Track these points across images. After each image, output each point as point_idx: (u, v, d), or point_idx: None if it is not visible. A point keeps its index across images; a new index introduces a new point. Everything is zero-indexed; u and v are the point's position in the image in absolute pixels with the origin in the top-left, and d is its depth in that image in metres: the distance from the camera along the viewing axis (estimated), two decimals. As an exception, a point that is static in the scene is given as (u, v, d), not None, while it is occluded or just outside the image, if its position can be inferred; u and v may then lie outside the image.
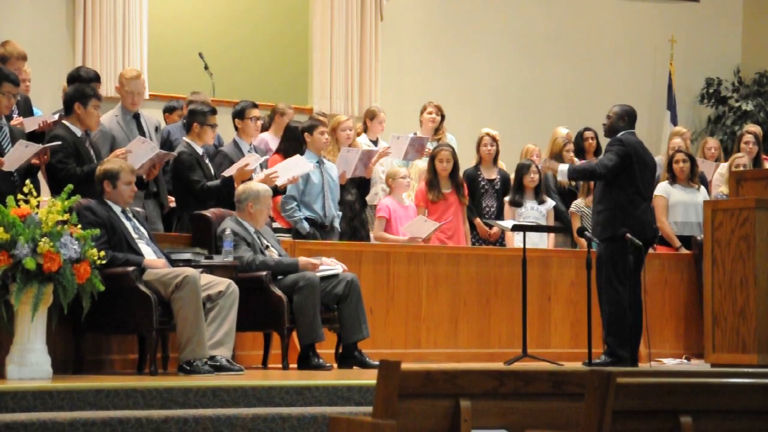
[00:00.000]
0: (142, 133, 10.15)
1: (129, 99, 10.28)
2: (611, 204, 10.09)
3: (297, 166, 10.39)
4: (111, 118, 10.13)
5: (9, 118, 9.28)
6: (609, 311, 9.96)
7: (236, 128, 10.68)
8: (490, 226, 11.72)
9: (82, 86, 9.77)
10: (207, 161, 10.21)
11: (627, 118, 10.19)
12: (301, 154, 10.69)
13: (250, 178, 9.91)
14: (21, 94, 10.00)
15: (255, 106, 10.75)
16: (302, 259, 9.34)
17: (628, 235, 9.89)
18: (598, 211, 10.36)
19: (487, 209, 11.96)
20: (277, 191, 10.25)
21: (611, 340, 9.91)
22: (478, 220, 11.85)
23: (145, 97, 10.77)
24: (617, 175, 10.00)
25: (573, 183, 12.16)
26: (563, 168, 10.37)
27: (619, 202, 10.03)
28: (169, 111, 11.62)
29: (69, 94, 9.61)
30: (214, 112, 10.44)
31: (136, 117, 10.29)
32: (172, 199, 10.44)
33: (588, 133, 12.49)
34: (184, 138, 10.24)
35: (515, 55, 15.39)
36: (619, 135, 10.11)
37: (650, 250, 11.87)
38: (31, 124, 9.60)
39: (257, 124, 10.74)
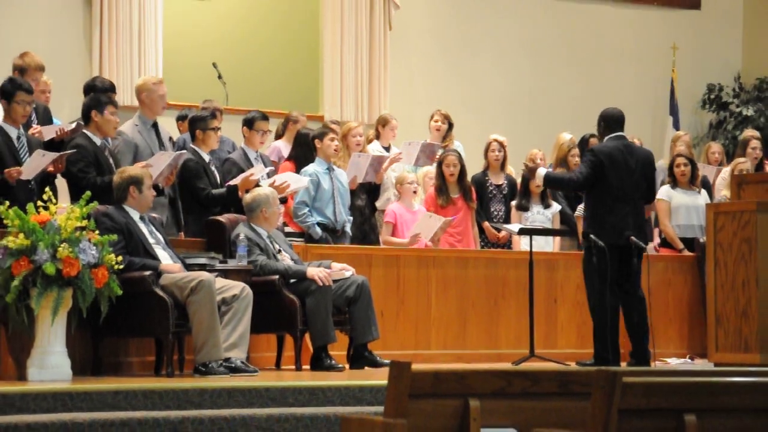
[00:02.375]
0: (160, 141, 10.19)
1: (156, 106, 10.29)
2: (588, 213, 10.07)
3: (293, 181, 10.40)
4: (132, 128, 10.13)
5: (27, 127, 9.30)
6: (594, 316, 9.94)
7: (244, 137, 10.71)
8: (499, 230, 11.72)
9: (97, 95, 9.81)
10: (213, 168, 10.21)
11: (603, 123, 10.13)
12: (312, 160, 10.71)
13: (258, 185, 9.92)
14: (40, 104, 10.03)
15: (266, 118, 10.72)
16: (310, 271, 9.31)
17: (633, 238, 9.87)
18: (583, 218, 10.38)
19: (496, 213, 11.96)
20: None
21: (597, 344, 9.88)
22: (486, 224, 11.85)
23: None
24: (593, 185, 9.97)
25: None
26: (541, 173, 10.30)
27: (595, 211, 9.97)
28: (182, 119, 11.63)
29: (85, 104, 9.64)
30: (214, 116, 10.45)
31: (155, 126, 10.31)
32: None
33: (593, 139, 12.48)
34: (190, 145, 10.23)
35: (522, 63, 15.40)
36: (596, 145, 10.09)
37: (653, 252, 11.90)
38: (48, 133, 9.62)
39: (264, 136, 10.73)
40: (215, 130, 10.26)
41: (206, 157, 10.16)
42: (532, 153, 12.52)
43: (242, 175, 10.01)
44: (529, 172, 10.41)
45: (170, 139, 10.52)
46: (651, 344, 10.73)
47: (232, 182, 9.97)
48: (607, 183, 9.89)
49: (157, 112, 10.39)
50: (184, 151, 10.10)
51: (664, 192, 12.24)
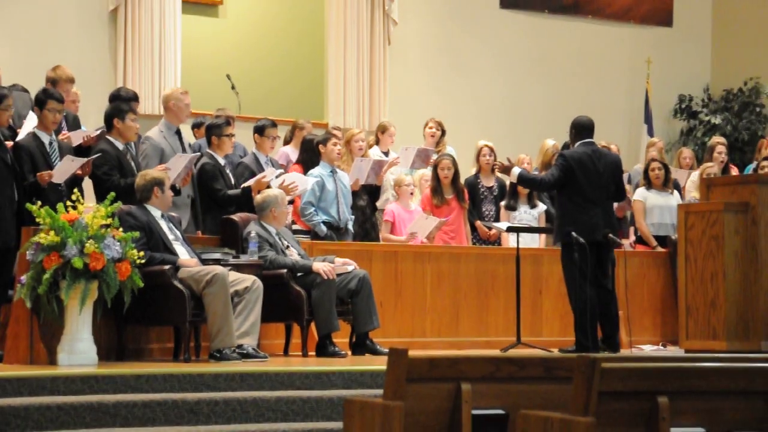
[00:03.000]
0: (183, 145, 10.21)
1: (181, 114, 10.30)
2: (562, 211, 10.07)
3: (300, 182, 10.43)
4: (158, 133, 10.14)
5: (57, 134, 9.31)
6: (574, 307, 9.94)
7: (255, 142, 10.73)
8: (489, 228, 11.73)
9: (118, 103, 9.84)
10: (228, 171, 10.23)
11: (574, 130, 10.13)
12: (317, 164, 10.72)
13: (268, 187, 9.93)
14: (70, 113, 10.04)
15: (274, 125, 10.78)
16: (315, 265, 9.31)
17: (611, 235, 9.87)
18: (555, 218, 10.39)
19: (487, 213, 11.96)
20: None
21: (578, 333, 9.87)
22: (478, 223, 11.85)
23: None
24: (563, 186, 9.96)
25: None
26: (515, 172, 10.27)
27: (567, 209, 9.97)
28: (197, 126, 11.63)
29: (107, 113, 9.66)
30: (228, 123, 10.46)
31: (178, 132, 10.33)
32: None
33: (574, 145, 12.49)
34: (207, 150, 10.26)
35: (509, 75, 15.39)
36: (567, 150, 10.09)
37: (627, 246, 11.90)
38: (76, 138, 9.63)
39: (273, 141, 10.79)
40: (230, 136, 10.28)
41: (221, 161, 10.18)
42: (520, 157, 12.53)
43: (255, 178, 10.04)
44: (504, 171, 10.37)
45: (189, 145, 10.54)
46: (628, 333, 10.73)
47: (245, 184, 10.00)
48: (578, 185, 9.88)
49: (182, 119, 10.47)
50: (198, 153, 10.13)
51: (639, 193, 12.27)
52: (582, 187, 9.87)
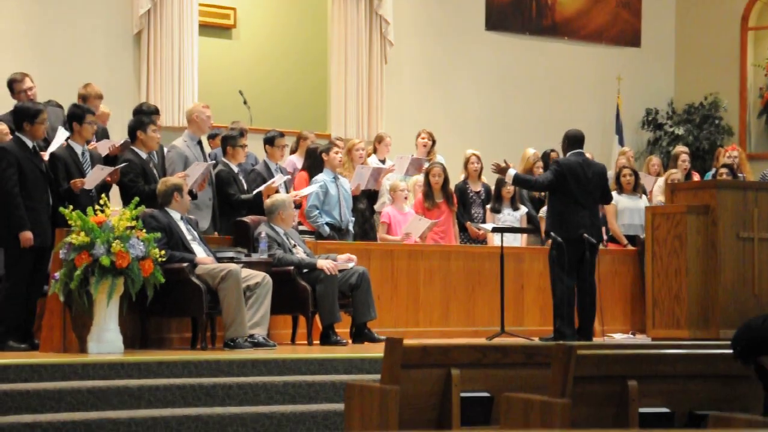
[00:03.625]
0: (204, 154, 10.25)
1: (203, 126, 10.35)
2: (553, 212, 10.10)
3: (305, 190, 10.53)
4: (182, 143, 10.16)
5: (89, 142, 9.34)
6: (555, 298, 9.96)
7: (266, 152, 10.75)
8: (478, 228, 11.74)
9: (141, 117, 9.87)
10: (241, 178, 10.24)
11: (567, 141, 10.17)
12: (321, 171, 10.74)
13: (277, 191, 9.97)
14: (99, 126, 10.06)
15: (282, 135, 10.80)
16: (320, 263, 9.33)
17: (585, 235, 9.90)
18: (546, 218, 10.43)
19: (476, 215, 11.95)
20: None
21: (558, 322, 9.89)
22: (468, 224, 11.85)
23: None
24: (555, 189, 10.01)
25: (540, 193, 12.12)
26: (511, 173, 10.33)
27: (557, 210, 10.00)
28: (212, 137, 11.64)
29: (131, 125, 9.69)
30: (242, 134, 10.49)
31: (200, 142, 10.38)
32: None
33: (553, 153, 12.47)
34: (222, 159, 10.28)
35: (494, 91, 15.38)
36: (561, 157, 10.13)
37: (601, 247, 11.92)
38: (103, 148, 9.64)
39: (282, 150, 10.82)
40: (243, 146, 10.31)
41: (235, 169, 10.20)
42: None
43: (266, 184, 10.05)
44: (500, 171, 10.40)
45: (207, 154, 10.56)
46: (600, 322, 10.75)
47: (258, 189, 10.03)
48: (568, 189, 9.92)
49: (204, 131, 10.56)
50: (213, 161, 10.16)
51: (613, 197, 12.27)
52: (572, 191, 9.92)
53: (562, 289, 9.82)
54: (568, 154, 10.13)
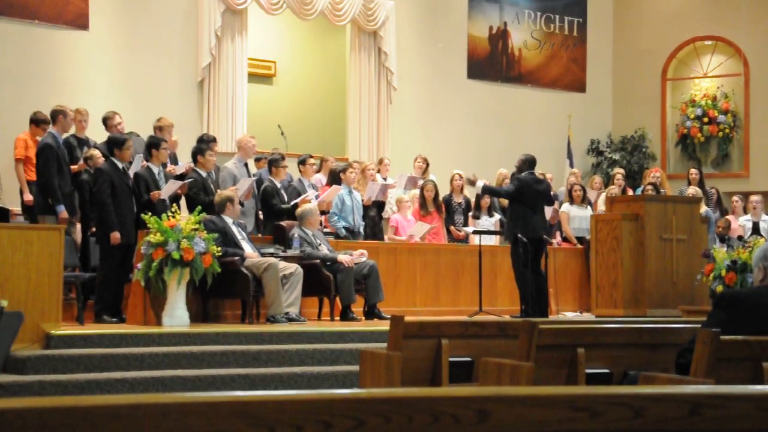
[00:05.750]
0: (248, 173, 10.31)
1: (249, 152, 10.49)
2: (513, 216, 10.09)
3: (330, 195, 10.54)
4: (232, 165, 10.28)
5: (164, 165, 9.38)
6: (519, 286, 9.97)
7: (300, 171, 10.78)
8: (460, 231, 11.75)
9: (200, 145, 9.91)
10: (282, 191, 10.27)
11: (525, 164, 10.17)
12: (339, 184, 10.77)
13: (307, 201, 9.99)
14: (171, 151, 10.10)
15: (311, 157, 10.91)
16: (339, 257, 9.35)
17: (545, 237, 9.91)
18: (506, 221, 10.43)
19: (458, 221, 11.98)
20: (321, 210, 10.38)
21: (522, 304, 9.90)
22: (452, 227, 11.87)
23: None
24: (515, 198, 10.02)
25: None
26: (479, 184, 10.40)
27: (517, 215, 9.99)
28: (258, 160, 11.67)
29: (193, 151, 9.76)
30: (282, 158, 10.52)
31: (246, 164, 10.42)
32: None
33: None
34: (268, 177, 10.31)
35: (473, 125, 15.37)
36: (520, 174, 10.15)
37: (555, 244, 11.92)
38: (179, 169, 9.68)
39: (313, 168, 10.86)
40: (284, 167, 10.35)
41: (278, 185, 10.23)
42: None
43: (301, 197, 10.10)
44: (471, 183, 10.52)
45: (253, 174, 10.60)
46: (556, 303, 10.76)
47: (294, 201, 10.07)
48: (525, 199, 9.94)
49: (249, 156, 10.66)
50: (256, 177, 10.21)
51: (565, 207, 12.29)
52: (527, 201, 9.94)
53: (525, 279, 9.84)
54: (524, 173, 10.13)
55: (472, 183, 10.36)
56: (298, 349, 7.55)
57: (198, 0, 12.94)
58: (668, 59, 16.44)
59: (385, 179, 12.00)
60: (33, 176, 9.51)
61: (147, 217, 8.09)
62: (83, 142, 9.79)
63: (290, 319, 8.66)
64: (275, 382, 7.06)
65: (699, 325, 4.23)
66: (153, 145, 9.13)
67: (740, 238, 11.83)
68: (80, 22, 12.06)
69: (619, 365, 4.74)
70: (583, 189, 12.43)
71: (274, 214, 10.05)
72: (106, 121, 10.08)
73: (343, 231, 10.61)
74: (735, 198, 13.35)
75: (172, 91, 12.80)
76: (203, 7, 12.90)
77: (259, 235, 9.99)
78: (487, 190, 10.56)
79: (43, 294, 7.33)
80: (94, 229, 8.95)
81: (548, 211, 10.94)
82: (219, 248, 8.29)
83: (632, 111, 16.57)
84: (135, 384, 6.69)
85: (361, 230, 10.87)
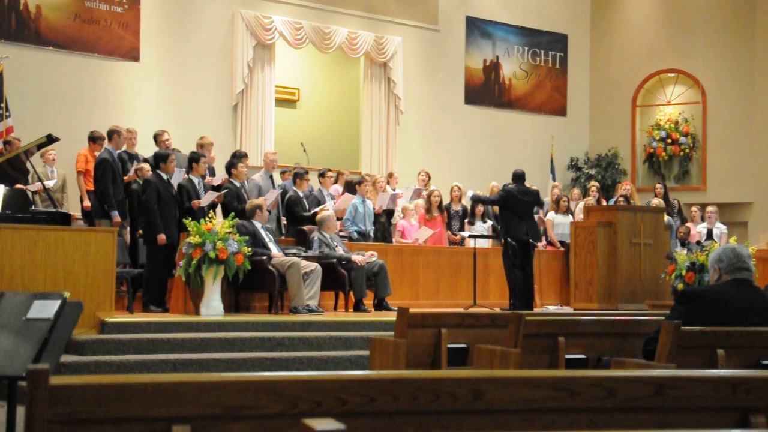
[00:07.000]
0: (273, 185, 10.30)
1: (272, 165, 10.48)
2: (504, 223, 10.07)
3: (344, 203, 10.52)
4: (259, 177, 10.28)
5: (203, 177, 9.39)
6: (509, 283, 9.94)
7: (320, 182, 10.77)
8: (457, 235, 11.74)
9: (233, 159, 9.92)
10: (304, 200, 10.27)
11: (514, 177, 10.13)
12: (353, 194, 10.77)
13: (325, 209, 9.98)
14: (209, 165, 10.12)
15: (329, 170, 10.92)
16: (353, 257, 9.35)
17: (531, 240, 9.88)
18: (500, 226, 10.40)
19: (456, 226, 11.96)
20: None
21: (511, 299, 9.88)
22: (448, 232, 11.86)
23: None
24: (503, 207, 9.98)
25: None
26: (469, 193, 10.45)
27: (507, 221, 9.96)
28: (283, 173, 11.68)
29: (227, 164, 9.77)
30: (306, 172, 10.52)
31: (271, 177, 10.41)
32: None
33: (509, 185, 12.43)
34: (293, 188, 10.31)
35: (471, 145, 15.35)
36: (508, 185, 10.13)
37: (540, 247, 11.90)
38: (216, 181, 9.69)
39: (331, 180, 10.85)
40: (306, 179, 10.36)
41: (301, 194, 10.23)
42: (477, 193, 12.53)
43: (321, 206, 10.10)
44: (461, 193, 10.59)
45: (278, 185, 10.60)
46: (540, 298, 10.73)
47: (315, 209, 10.07)
48: (513, 207, 9.92)
49: (273, 169, 10.56)
50: (281, 189, 10.21)
51: (550, 215, 12.27)
52: (516, 208, 9.92)
53: (513, 277, 9.82)
54: (513, 184, 10.12)
55: (463, 193, 10.40)
56: (317, 336, 7.55)
57: (233, 35, 12.99)
58: (637, 89, 16.44)
59: (394, 190, 11.99)
60: (91, 186, 9.60)
61: (188, 221, 8.10)
62: (133, 157, 9.83)
63: (310, 311, 8.65)
64: (297, 364, 7.06)
65: (663, 318, 4.22)
66: (194, 159, 9.16)
67: (698, 242, 11.81)
68: (132, 54, 12.18)
69: (594, 351, 4.72)
70: (567, 200, 12.41)
71: (296, 219, 10.06)
72: (157, 137, 10.15)
73: (355, 234, 10.60)
74: (694, 208, 13.31)
75: (210, 114, 12.84)
76: (237, 41, 12.96)
77: (283, 238, 9.98)
78: (475, 199, 10.58)
79: (99, 287, 7.37)
80: (141, 232, 8.97)
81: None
82: (249, 249, 8.28)
83: (606, 133, 16.55)
84: (177, 365, 6.70)
85: (371, 234, 10.86)
